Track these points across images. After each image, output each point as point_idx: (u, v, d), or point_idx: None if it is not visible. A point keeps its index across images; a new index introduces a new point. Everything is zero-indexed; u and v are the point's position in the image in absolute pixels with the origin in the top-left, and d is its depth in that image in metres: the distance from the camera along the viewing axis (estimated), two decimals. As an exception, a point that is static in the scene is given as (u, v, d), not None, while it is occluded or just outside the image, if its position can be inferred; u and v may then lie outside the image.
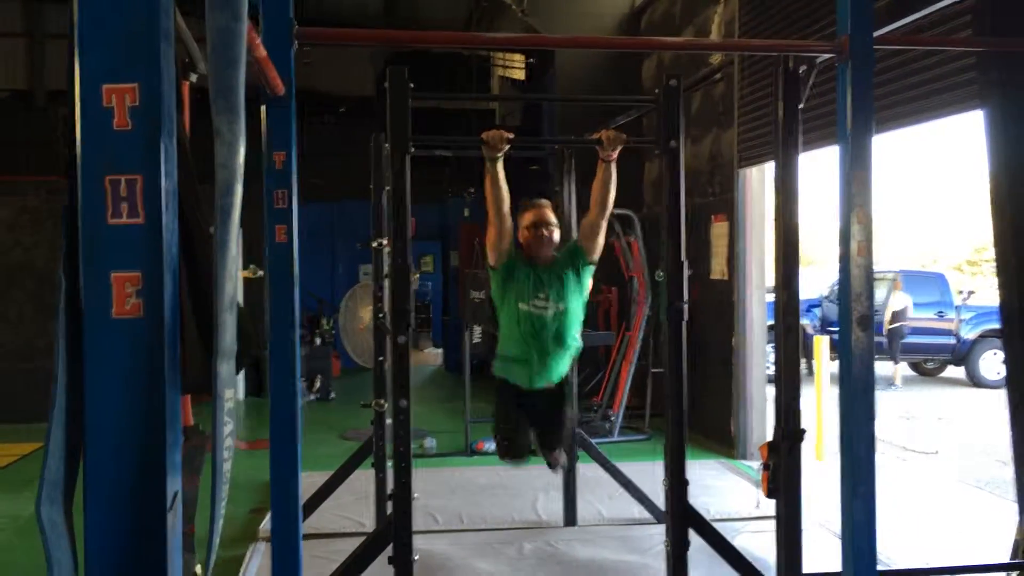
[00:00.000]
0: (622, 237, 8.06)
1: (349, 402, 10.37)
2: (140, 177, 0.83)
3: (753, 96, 6.95)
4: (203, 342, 0.97)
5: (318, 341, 11.03)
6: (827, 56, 2.71)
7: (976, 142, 12.05)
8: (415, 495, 3.55)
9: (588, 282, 4.01)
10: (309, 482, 6.09)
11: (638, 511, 5.49)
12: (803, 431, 3.14)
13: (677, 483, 3.61)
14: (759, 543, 4.73)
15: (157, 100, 0.84)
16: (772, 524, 4.97)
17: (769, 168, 6.99)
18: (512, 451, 4.12)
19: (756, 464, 7.13)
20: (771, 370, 7.19)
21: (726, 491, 6.19)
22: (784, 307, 3.15)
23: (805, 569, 3.24)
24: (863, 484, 2.51)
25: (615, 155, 3.65)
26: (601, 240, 3.92)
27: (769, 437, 3.34)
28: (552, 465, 4.36)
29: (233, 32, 0.87)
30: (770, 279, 7.38)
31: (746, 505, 5.72)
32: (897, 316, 12.11)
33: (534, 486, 6.11)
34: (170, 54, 0.85)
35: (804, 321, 11.42)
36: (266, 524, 5.38)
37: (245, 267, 10.82)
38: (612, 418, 7.99)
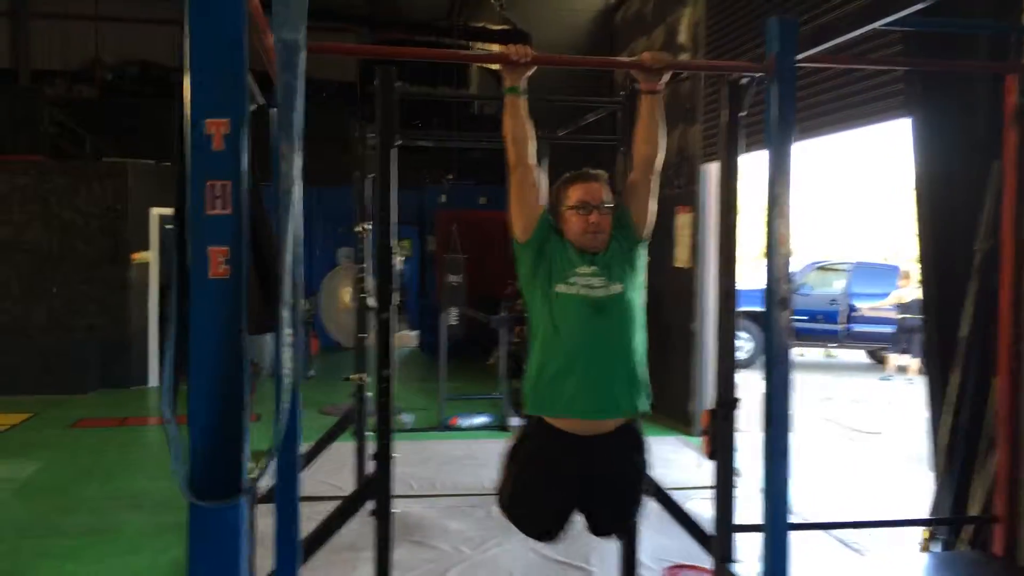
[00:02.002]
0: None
1: (327, 380, 10.76)
2: (229, 182, 1.23)
3: (716, 95, 7.37)
4: (262, 297, 1.35)
5: (297, 322, 11.37)
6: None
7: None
8: (395, 454, 3.95)
9: (643, 268, 2.99)
10: (291, 452, 6.50)
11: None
12: (737, 400, 3.56)
13: (630, 447, 4.05)
14: (706, 506, 5.18)
15: (240, 130, 1.23)
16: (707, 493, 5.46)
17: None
18: (535, 528, 3.03)
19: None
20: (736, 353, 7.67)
21: (682, 464, 6.66)
22: (724, 291, 3.57)
23: (742, 522, 3.67)
24: (780, 441, 2.93)
25: (662, 84, 2.92)
26: (653, 206, 2.99)
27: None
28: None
29: (293, 88, 1.26)
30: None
31: (699, 476, 6.17)
32: (905, 308, 12.01)
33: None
34: (247, 99, 1.24)
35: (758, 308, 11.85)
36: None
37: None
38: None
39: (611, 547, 4.68)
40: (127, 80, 11.93)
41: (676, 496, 4.36)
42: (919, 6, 2.51)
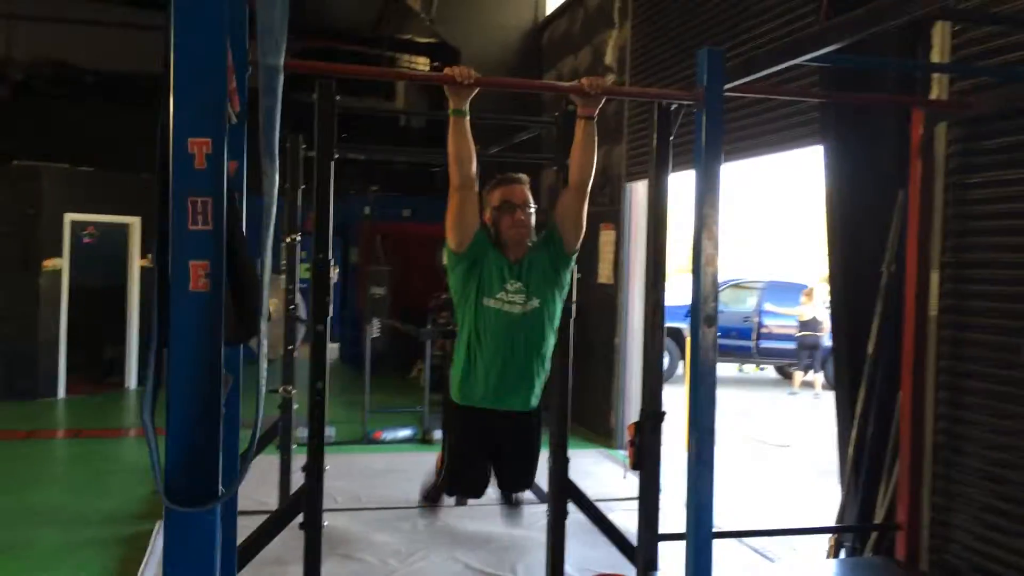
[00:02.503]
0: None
1: (250, 392, 10.56)
2: (211, 199, 1.28)
3: (640, 116, 7.60)
4: (236, 310, 1.40)
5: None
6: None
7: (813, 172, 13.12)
8: (326, 466, 3.97)
9: (567, 281, 3.39)
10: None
11: (525, 493, 6.03)
12: (663, 412, 3.71)
13: (559, 461, 4.16)
14: (628, 517, 5.33)
15: (221, 150, 1.29)
16: (629, 504, 5.61)
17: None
18: (465, 487, 3.66)
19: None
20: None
21: (604, 476, 6.81)
22: (652, 306, 3.72)
23: (661, 531, 3.81)
24: (705, 452, 3.08)
25: (597, 109, 3.12)
26: (582, 224, 3.28)
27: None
28: (511, 503, 3.95)
29: (273, 110, 1.32)
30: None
31: (621, 488, 6.33)
32: (807, 326, 12.44)
33: (427, 470, 6.57)
34: (226, 120, 1.30)
35: (681, 324, 12.18)
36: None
37: (145, 255, 10.82)
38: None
39: (537, 558, 4.79)
40: (40, 81, 11.55)
41: (598, 507, 4.50)
42: (837, 45, 2.69)
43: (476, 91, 2.97)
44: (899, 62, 4.09)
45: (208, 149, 1.27)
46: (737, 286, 14.19)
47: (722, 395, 10.36)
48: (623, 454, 7.68)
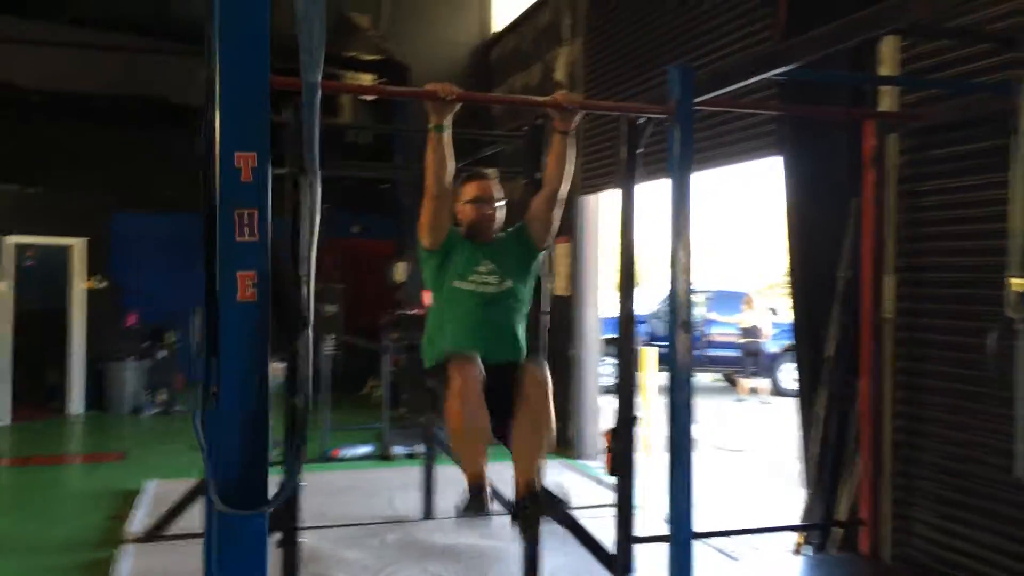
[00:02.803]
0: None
1: (190, 415, 10.39)
2: (256, 211, 1.31)
3: (594, 131, 7.73)
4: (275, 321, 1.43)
5: (162, 354, 10.95)
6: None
7: (767, 182, 13.50)
8: (303, 483, 3.96)
9: (536, 271, 3.46)
10: (167, 489, 6.32)
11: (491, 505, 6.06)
12: (637, 417, 3.80)
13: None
14: (596, 525, 5.40)
15: (266, 164, 1.32)
16: (606, 511, 5.71)
17: (606, 196, 7.81)
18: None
19: (592, 463, 7.91)
20: (604, 379, 7.96)
21: (566, 485, 6.86)
22: (625, 316, 3.81)
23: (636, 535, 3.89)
24: (683, 456, 3.18)
25: (574, 124, 3.21)
26: (554, 226, 3.40)
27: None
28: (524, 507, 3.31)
29: (313, 125, 1.37)
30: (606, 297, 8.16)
31: (583, 496, 6.39)
32: (748, 332, 12.75)
33: (389, 486, 6.58)
34: (269, 135, 1.34)
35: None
36: (131, 527, 5.59)
37: (90, 277, 10.59)
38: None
39: (509, 568, 4.82)
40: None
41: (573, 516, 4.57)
42: (806, 60, 2.82)
43: (458, 107, 3.02)
44: (854, 76, 4.27)
45: (253, 163, 1.30)
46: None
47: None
48: (583, 464, 7.78)
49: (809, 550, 4.60)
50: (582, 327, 8.01)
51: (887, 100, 4.33)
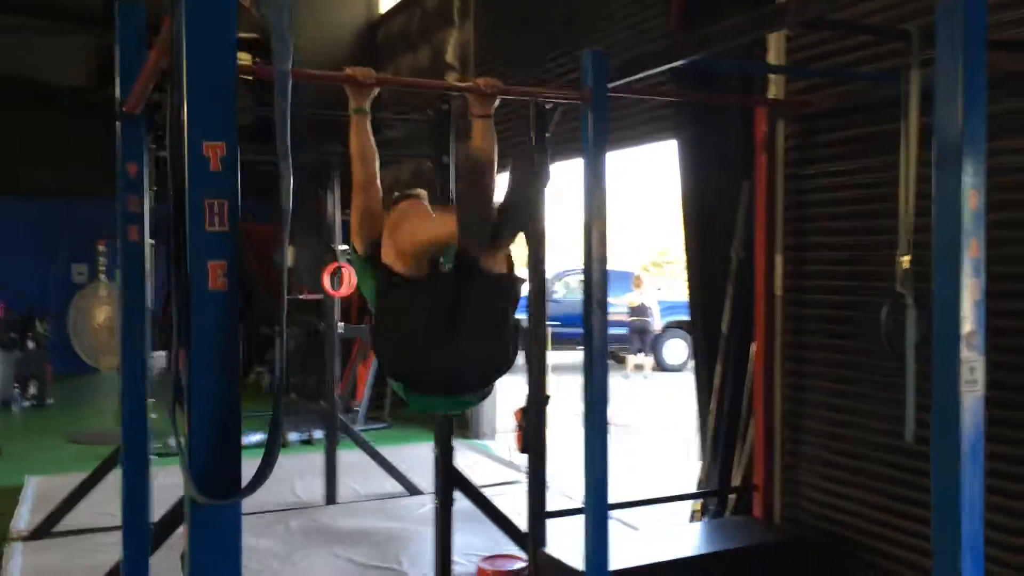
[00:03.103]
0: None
1: (68, 406, 9.98)
2: (226, 201, 1.31)
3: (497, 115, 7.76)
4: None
5: (31, 345, 10.39)
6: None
7: (649, 165, 13.93)
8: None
9: None
10: (50, 485, 6.05)
11: (391, 486, 6.11)
12: (548, 396, 3.90)
13: (445, 451, 4.27)
14: (503, 503, 5.51)
15: (234, 153, 1.32)
16: (509, 488, 5.82)
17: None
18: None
19: (491, 442, 8.03)
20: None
21: (467, 465, 6.95)
22: (535, 296, 3.90)
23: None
24: (599, 428, 3.30)
25: (492, 108, 3.12)
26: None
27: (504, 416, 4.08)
28: None
29: (286, 112, 1.36)
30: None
31: (484, 475, 6.50)
32: (636, 311, 13.12)
33: (288, 473, 6.49)
34: (236, 125, 1.33)
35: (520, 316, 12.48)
36: (17, 524, 5.35)
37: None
38: (356, 407, 8.48)
39: (418, 549, 4.87)
40: None
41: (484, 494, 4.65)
42: (714, 49, 2.96)
43: (377, 91, 3.01)
44: (747, 64, 4.47)
45: (222, 152, 1.29)
46: (572, 276, 14.73)
47: (561, 381, 10.71)
48: (482, 443, 7.89)
49: (707, 516, 4.83)
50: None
51: (775, 87, 4.56)
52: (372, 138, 2.98)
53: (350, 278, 7.43)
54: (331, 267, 6.46)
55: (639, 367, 13.45)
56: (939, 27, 2.02)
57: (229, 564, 1.40)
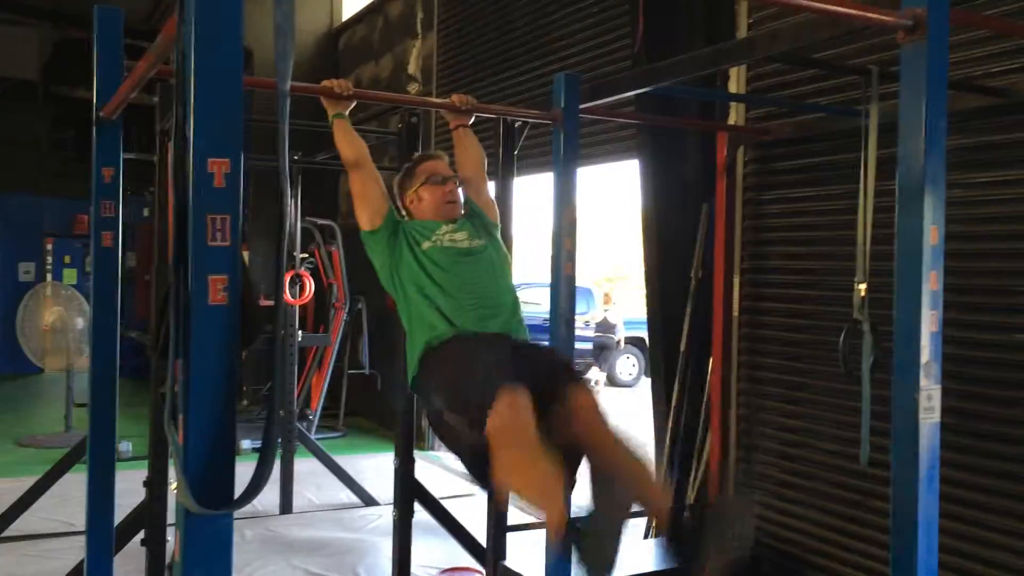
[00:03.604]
0: (323, 246, 8.55)
1: (14, 409, 9.75)
2: (229, 216, 1.33)
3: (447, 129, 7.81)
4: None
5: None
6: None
7: (604, 181, 14.12)
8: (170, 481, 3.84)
9: (501, 242, 3.17)
10: (-2, 489, 5.91)
11: (346, 497, 6.09)
12: (512, 411, 3.94)
13: (406, 462, 4.28)
14: (457, 515, 5.54)
15: (238, 170, 1.34)
16: (464, 501, 5.83)
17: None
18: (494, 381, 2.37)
19: (444, 454, 8.02)
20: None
21: (422, 476, 6.94)
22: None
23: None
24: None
25: (470, 120, 3.27)
26: (494, 204, 3.29)
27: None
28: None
29: (285, 133, 1.40)
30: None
31: (439, 486, 6.49)
32: (601, 327, 13.31)
33: (244, 481, 6.42)
34: (241, 142, 1.37)
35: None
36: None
37: None
38: (310, 416, 8.43)
39: (376, 560, 4.87)
40: None
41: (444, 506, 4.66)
42: (685, 77, 3.05)
43: (354, 103, 3.07)
44: (710, 92, 4.59)
45: (227, 168, 1.32)
46: (529, 289, 14.79)
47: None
48: (435, 454, 7.88)
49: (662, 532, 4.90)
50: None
51: (736, 113, 4.69)
52: (355, 132, 3.05)
53: (310, 286, 7.43)
54: (290, 274, 6.44)
55: (595, 383, 13.59)
56: (904, 70, 2.13)
57: (221, 574, 1.42)
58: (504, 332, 2.78)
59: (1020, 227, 3.43)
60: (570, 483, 2.51)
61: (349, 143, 2.99)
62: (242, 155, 1.34)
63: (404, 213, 3.13)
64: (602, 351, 13.42)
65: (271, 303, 6.79)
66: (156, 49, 2.04)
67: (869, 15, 2.07)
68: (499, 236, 3.16)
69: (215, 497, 1.39)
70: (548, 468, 2.27)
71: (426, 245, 2.89)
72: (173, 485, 1.48)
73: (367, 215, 2.96)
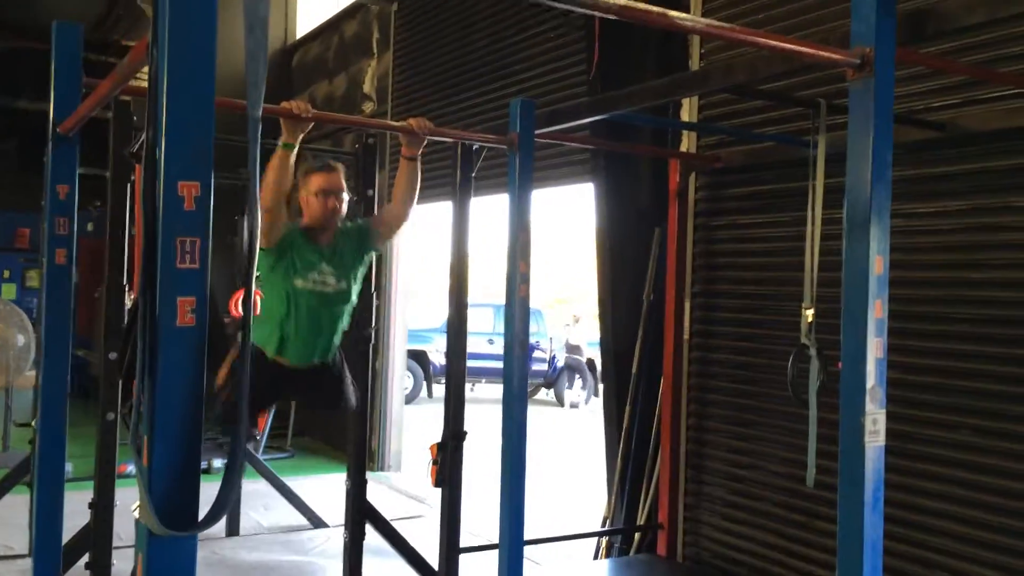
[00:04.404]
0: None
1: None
2: (198, 239, 1.34)
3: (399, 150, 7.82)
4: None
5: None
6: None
7: (554, 203, 14.24)
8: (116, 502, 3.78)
9: (368, 263, 3.66)
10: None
11: (295, 518, 6.02)
12: (465, 432, 3.96)
13: (357, 484, 4.27)
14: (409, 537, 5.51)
15: (208, 193, 1.35)
16: (414, 523, 5.80)
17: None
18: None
19: (394, 474, 7.98)
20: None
21: (370, 497, 6.90)
22: (455, 330, 3.96)
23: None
24: (517, 464, 3.37)
25: (420, 150, 3.43)
26: (396, 234, 3.73)
27: (410, 449, 4.13)
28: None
29: (256, 157, 1.41)
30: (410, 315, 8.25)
31: (388, 508, 6.46)
32: (572, 349, 13.65)
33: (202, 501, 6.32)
34: (212, 165, 1.38)
35: (426, 346, 12.55)
36: None
37: None
38: (257, 436, 8.31)
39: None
40: None
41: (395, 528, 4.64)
42: (640, 106, 3.12)
43: (311, 126, 3.07)
44: (663, 120, 4.68)
45: (197, 192, 1.33)
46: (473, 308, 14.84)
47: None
48: (385, 475, 7.84)
49: (613, 554, 4.94)
50: (386, 341, 8.07)
51: (688, 141, 4.79)
52: (292, 171, 3.18)
53: (260, 305, 7.34)
54: (239, 293, 6.37)
55: (574, 405, 13.80)
56: (852, 105, 2.20)
57: (186, 599, 1.41)
58: (312, 364, 3.46)
59: (959, 256, 3.57)
60: None
61: (282, 177, 3.13)
62: (212, 178, 1.35)
63: (295, 203, 3.46)
64: (573, 372, 13.63)
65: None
66: (123, 69, 2.03)
67: (820, 53, 2.15)
68: (369, 259, 3.63)
69: (179, 518, 1.38)
70: None
71: (299, 284, 3.36)
72: (134, 506, 1.47)
73: (267, 237, 3.27)
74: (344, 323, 3.56)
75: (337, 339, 3.54)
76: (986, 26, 2.87)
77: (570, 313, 14.53)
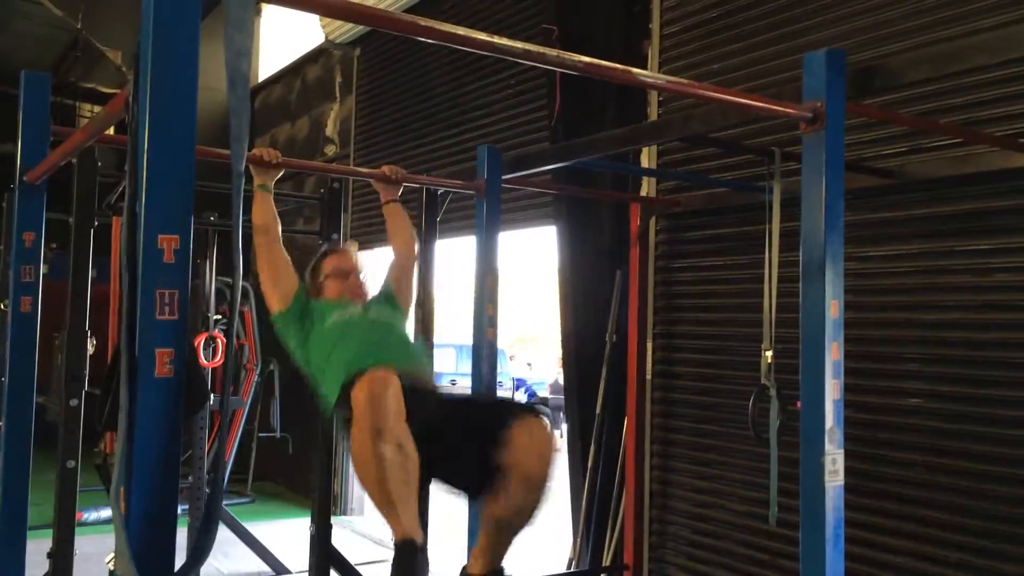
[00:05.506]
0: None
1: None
2: (177, 291, 1.37)
3: (367, 188, 7.87)
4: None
5: None
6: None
7: (517, 244, 14.43)
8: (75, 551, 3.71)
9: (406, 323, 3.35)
10: None
11: (256, 566, 5.93)
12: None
13: (322, 528, 4.24)
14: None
15: (188, 246, 1.38)
16: (378, 568, 5.73)
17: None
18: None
19: (357, 518, 7.90)
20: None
21: (334, 541, 6.82)
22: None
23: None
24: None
25: (398, 193, 3.40)
26: (414, 287, 3.46)
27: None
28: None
29: (239, 209, 1.45)
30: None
31: (352, 552, 6.39)
32: (555, 389, 13.86)
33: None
34: (192, 219, 1.41)
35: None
36: None
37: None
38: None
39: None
40: None
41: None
42: (589, 156, 3.21)
43: (282, 171, 3.11)
44: (624, 166, 4.79)
45: (176, 245, 1.35)
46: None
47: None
48: (347, 520, 7.75)
49: (577, 594, 4.94)
50: (349, 382, 8.03)
51: (648, 185, 4.90)
52: (275, 210, 3.12)
53: (222, 348, 7.27)
54: (202, 336, 6.31)
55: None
56: (805, 156, 2.30)
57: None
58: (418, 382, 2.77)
59: (911, 298, 3.68)
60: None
61: (266, 215, 3.03)
62: (192, 231, 1.38)
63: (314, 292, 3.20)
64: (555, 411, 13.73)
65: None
66: (98, 121, 2.06)
67: (774, 107, 2.24)
68: (403, 315, 3.31)
69: (156, 569, 1.39)
70: (404, 463, 2.25)
71: (336, 317, 2.98)
72: (108, 558, 1.48)
73: (278, 295, 3.01)
74: (407, 334, 3.23)
75: (419, 351, 3.21)
76: (932, 79, 3.01)
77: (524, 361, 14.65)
